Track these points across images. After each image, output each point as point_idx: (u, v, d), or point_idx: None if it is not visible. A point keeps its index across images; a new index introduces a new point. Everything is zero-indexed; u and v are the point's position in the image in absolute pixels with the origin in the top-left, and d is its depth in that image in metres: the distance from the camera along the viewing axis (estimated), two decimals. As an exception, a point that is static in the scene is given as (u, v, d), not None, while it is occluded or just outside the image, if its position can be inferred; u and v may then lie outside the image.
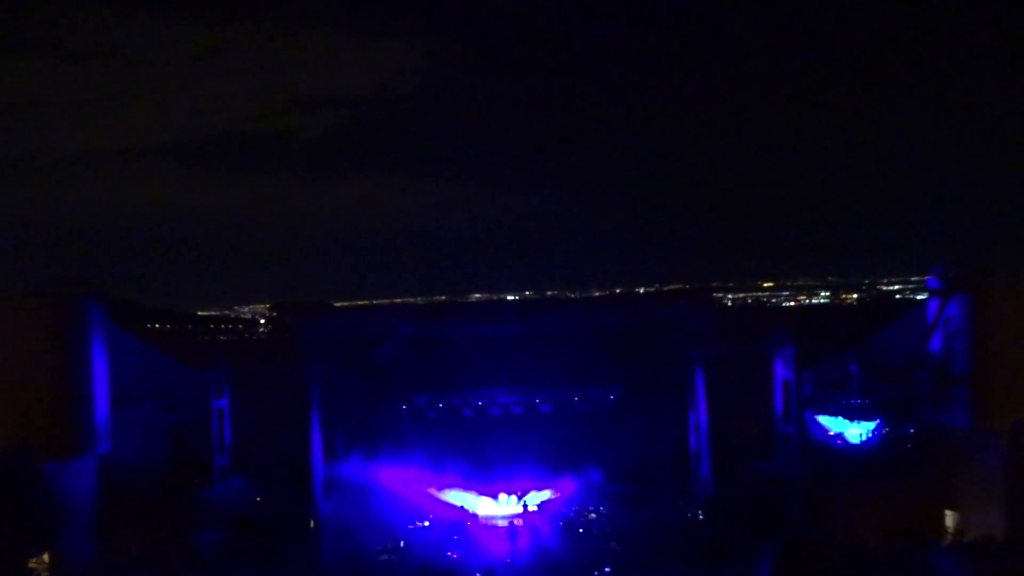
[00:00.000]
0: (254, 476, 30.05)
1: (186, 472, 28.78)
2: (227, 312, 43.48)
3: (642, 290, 43.59)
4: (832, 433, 30.36)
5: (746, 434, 30.90)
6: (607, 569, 25.68)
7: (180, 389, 29.56)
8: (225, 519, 28.34)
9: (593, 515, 31.96)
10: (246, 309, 43.50)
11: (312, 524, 29.71)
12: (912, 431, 28.20)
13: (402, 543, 29.54)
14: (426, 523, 31.52)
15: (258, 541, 27.40)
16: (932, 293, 27.22)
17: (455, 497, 32.75)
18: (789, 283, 42.38)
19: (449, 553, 28.75)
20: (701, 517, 30.79)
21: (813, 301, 41.23)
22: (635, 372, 34.38)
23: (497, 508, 32.86)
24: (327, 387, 32.12)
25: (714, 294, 41.25)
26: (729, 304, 41.19)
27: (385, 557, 28.44)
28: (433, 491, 32.71)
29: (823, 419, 30.51)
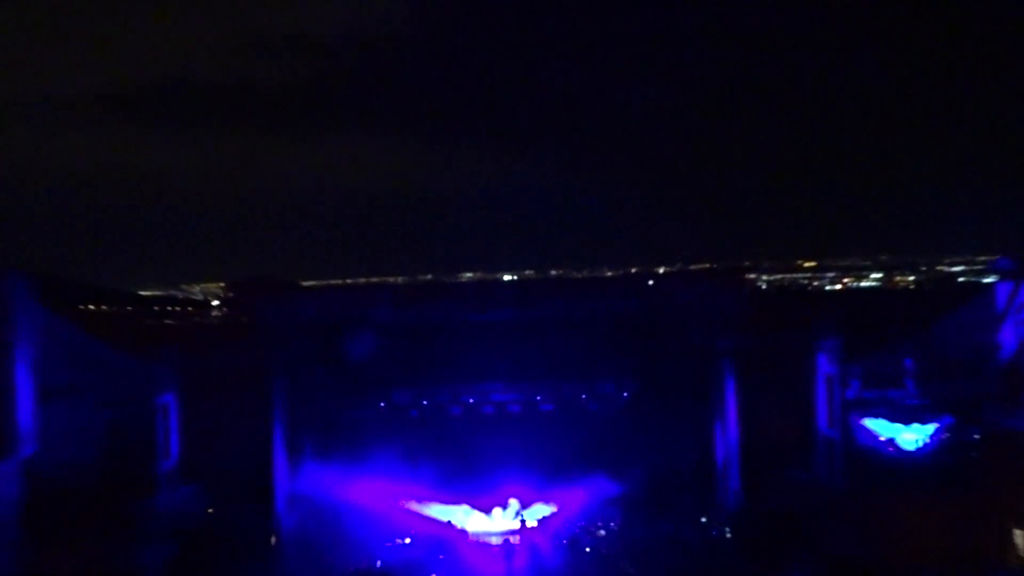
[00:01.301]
0: (205, 484, 30.06)
1: (126, 478, 28.75)
2: (174, 292, 43.40)
3: (662, 270, 43.52)
4: (883, 439, 30.42)
5: (782, 439, 30.96)
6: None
7: (119, 381, 29.48)
8: (171, 533, 28.37)
9: (602, 532, 32.09)
10: (197, 288, 43.41)
11: (273, 541, 29.79)
12: (977, 437, 28.22)
13: (379, 564, 29.64)
14: (407, 540, 31.61)
15: (210, 560, 27.46)
16: (1002, 275, 27.18)
17: (441, 511, 32.83)
18: (834, 263, 42.32)
19: (434, 575, 28.88)
20: (728, 535, 30.91)
21: (862, 284, 41.18)
22: (653, 365, 34.36)
23: (490, 523, 32.97)
24: (292, 380, 32.07)
25: (746, 275, 41.14)
26: (763, 287, 41.15)
27: (359, 580, 28.57)
28: (415, 504, 32.80)
29: (872, 422, 30.56)
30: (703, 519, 32.04)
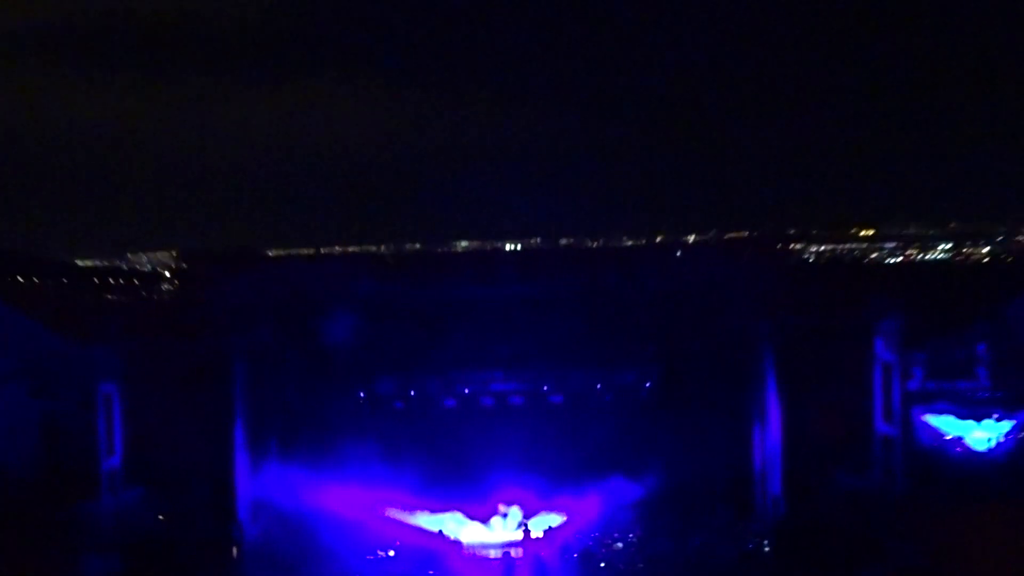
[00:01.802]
0: (156, 486, 30.27)
1: (63, 479, 28.95)
2: (118, 263, 43.34)
3: (692, 238, 43.38)
4: (949, 437, 30.52)
5: (831, 437, 31.06)
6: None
7: (54, 367, 29.64)
8: (117, 543, 28.57)
9: (619, 544, 32.22)
10: (144, 259, 43.37)
11: (235, 552, 29.97)
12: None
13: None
14: (390, 553, 31.78)
15: (161, 574, 27.64)
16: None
17: (430, 520, 32.98)
18: (896, 231, 42.15)
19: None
20: (767, 548, 31.05)
21: (928, 257, 41.05)
22: (681, 351, 34.43)
23: (488, 534, 33.12)
24: (256, 367, 32.17)
25: (791, 245, 41.05)
26: (811, 259, 41.05)
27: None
28: (400, 511, 32.94)
29: (938, 419, 30.65)
30: (737, 530, 32.18)
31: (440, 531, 32.73)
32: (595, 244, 45.04)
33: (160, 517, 30.31)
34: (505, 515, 33.37)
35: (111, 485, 30.28)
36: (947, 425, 30.88)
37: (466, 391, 36.10)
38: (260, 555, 30.65)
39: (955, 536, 26.62)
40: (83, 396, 29.87)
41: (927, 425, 30.84)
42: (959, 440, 30.48)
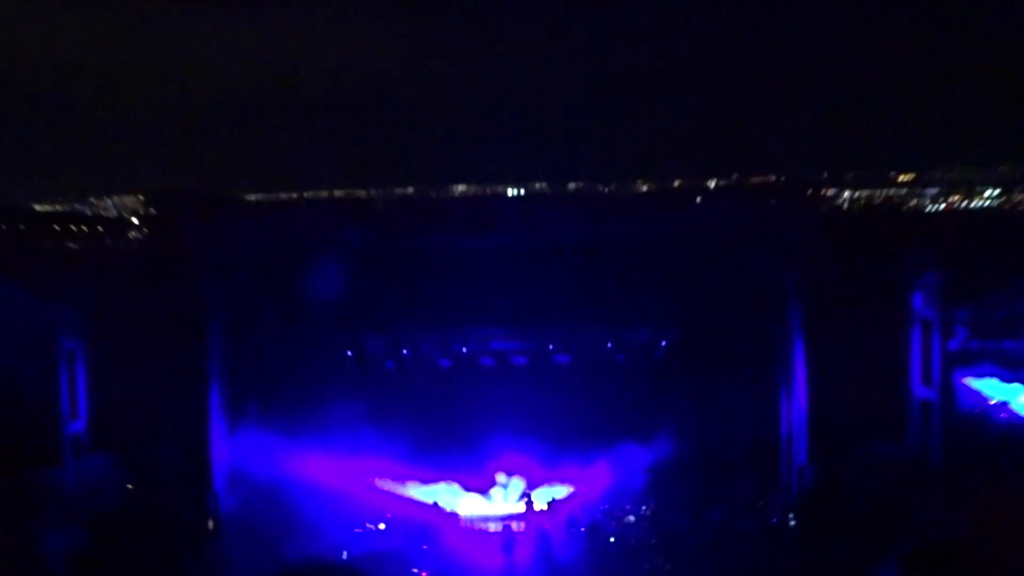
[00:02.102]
0: (123, 453, 30.46)
1: (21, 444, 29.11)
2: (80, 207, 43.20)
3: (713, 183, 43.20)
4: (994, 402, 30.62)
5: (864, 401, 31.19)
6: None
7: (10, 321, 29.68)
8: (81, 514, 28.79)
9: (631, 518, 32.48)
10: (109, 203, 43.22)
11: (210, 525, 30.22)
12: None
13: (344, 555, 30.06)
14: (381, 526, 32.03)
15: (129, 549, 27.87)
16: None
17: (424, 491, 33.20)
18: (938, 175, 41.94)
19: (415, 571, 29.30)
20: (793, 523, 31.28)
21: (974, 204, 40.88)
22: (700, 306, 34.41)
23: (487, 506, 33.35)
24: (233, 322, 32.25)
25: (822, 191, 40.92)
26: (845, 206, 40.90)
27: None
28: (391, 482, 33.14)
29: (981, 382, 30.72)
30: (761, 504, 32.40)
31: (435, 503, 32.96)
32: (606, 189, 44.85)
33: (128, 486, 30.52)
34: (506, 486, 33.59)
35: (75, 451, 30.47)
36: (991, 389, 30.96)
37: (464, 350, 36.21)
38: (238, 528, 30.91)
39: (998, 510, 26.77)
40: (43, 354, 29.98)
41: (969, 389, 30.92)
42: (1004, 405, 30.56)
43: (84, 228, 38.81)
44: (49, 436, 29.96)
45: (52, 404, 30.09)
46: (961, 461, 28.82)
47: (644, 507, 32.88)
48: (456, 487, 33.64)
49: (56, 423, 29.95)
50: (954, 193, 40.96)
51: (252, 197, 40.65)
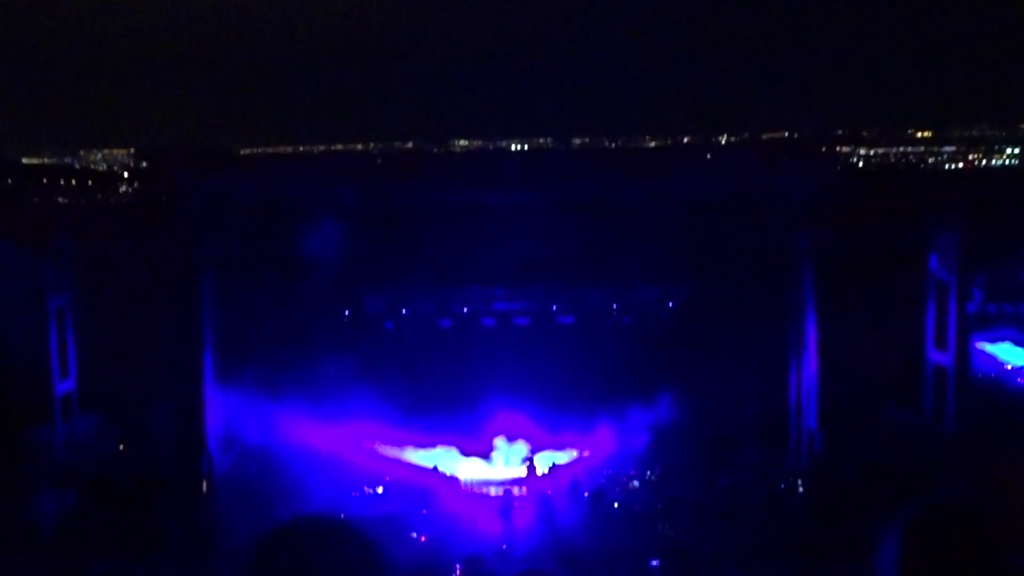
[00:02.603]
0: (115, 413, 30.53)
1: (10, 403, 29.19)
2: (69, 160, 43.15)
3: (724, 139, 43.07)
4: (1010, 367, 30.62)
5: (877, 366, 31.17)
6: (654, 563, 26.33)
7: (-2, 278, 29.73)
8: (72, 476, 28.91)
9: (636, 484, 32.53)
10: (99, 156, 43.15)
11: (204, 487, 30.31)
12: None
13: (341, 519, 30.13)
14: (379, 490, 32.12)
15: (121, 510, 27.98)
16: None
17: (424, 455, 33.26)
18: (957, 133, 41.75)
19: (414, 535, 29.41)
20: (801, 489, 31.36)
21: (994, 162, 40.73)
22: (708, 267, 34.30)
23: (488, 470, 33.41)
24: (227, 280, 32.19)
25: (837, 148, 40.77)
26: (861, 164, 40.77)
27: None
28: (389, 446, 33.20)
29: (998, 347, 30.71)
30: (768, 468, 32.46)
31: (435, 467, 33.03)
32: (613, 145, 44.72)
33: (120, 447, 30.62)
34: (507, 450, 33.64)
35: (65, 410, 30.54)
36: (1007, 353, 30.97)
37: (464, 310, 36.17)
38: (232, 491, 31.00)
39: (1011, 475, 26.82)
40: (32, 311, 30.00)
41: (985, 353, 30.90)
42: (1020, 370, 30.57)
43: (73, 182, 38.78)
44: (39, 395, 30.04)
45: (42, 363, 30.14)
46: (975, 427, 28.85)
47: (649, 472, 32.91)
48: (456, 451, 33.69)
49: (46, 382, 30.01)
50: (973, 151, 40.78)
51: (246, 151, 40.56)
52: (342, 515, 30.09)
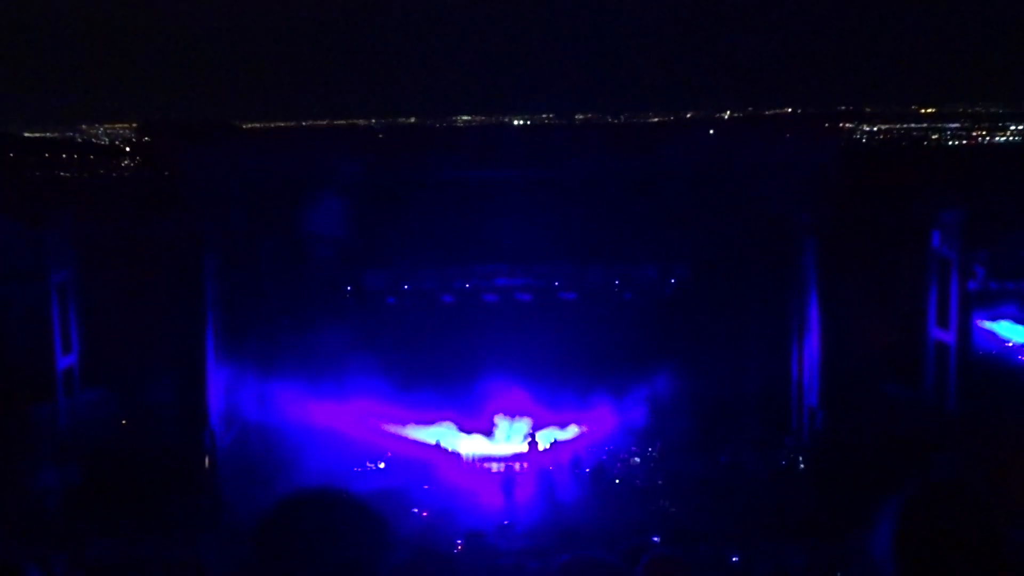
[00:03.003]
0: (117, 388, 30.53)
1: (13, 378, 29.22)
2: (71, 135, 43.12)
3: (727, 115, 42.99)
4: (1012, 344, 30.58)
5: (878, 343, 31.16)
6: (655, 539, 26.38)
7: (1, 253, 29.70)
8: (74, 450, 28.96)
9: (636, 459, 32.55)
10: (101, 130, 43.12)
11: (207, 462, 30.34)
12: None
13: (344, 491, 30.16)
14: (380, 465, 32.17)
15: (123, 485, 28.04)
16: None
17: (426, 432, 33.27)
18: (961, 109, 41.64)
19: (415, 510, 29.46)
20: (802, 466, 31.37)
21: (998, 139, 40.62)
22: (710, 243, 34.27)
23: (490, 446, 33.43)
24: (229, 255, 32.13)
25: (840, 124, 40.67)
26: (864, 140, 40.68)
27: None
28: (391, 423, 33.19)
29: (1000, 324, 30.66)
30: (769, 445, 32.48)
31: (437, 442, 33.05)
32: (616, 120, 44.64)
33: (123, 422, 30.66)
34: (509, 426, 33.64)
35: (67, 386, 30.56)
36: (1010, 331, 30.90)
37: (466, 286, 36.10)
38: (235, 464, 31.05)
39: (1013, 452, 26.85)
40: (35, 286, 29.99)
41: (987, 331, 30.85)
42: (1022, 348, 30.53)
43: (75, 156, 38.76)
44: (41, 370, 30.05)
45: (44, 338, 30.13)
46: (977, 405, 28.84)
47: (651, 448, 32.92)
48: (457, 428, 33.68)
49: (48, 357, 30.01)
50: (977, 128, 40.68)
51: (248, 125, 40.50)
52: (344, 488, 30.15)
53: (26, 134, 41.74)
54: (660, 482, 31.24)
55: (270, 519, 4.63)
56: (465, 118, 42.81)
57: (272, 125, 41.95)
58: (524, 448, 33.14)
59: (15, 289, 29.68)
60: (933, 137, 40.29)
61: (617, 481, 31.44)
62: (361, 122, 43.03)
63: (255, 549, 4.58)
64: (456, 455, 32.95)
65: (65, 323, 30.72)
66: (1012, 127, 40.31)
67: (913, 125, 41.09)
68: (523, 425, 33.65)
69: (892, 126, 41.30)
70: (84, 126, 42.81)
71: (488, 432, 33.72)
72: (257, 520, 4.61)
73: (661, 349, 34.15)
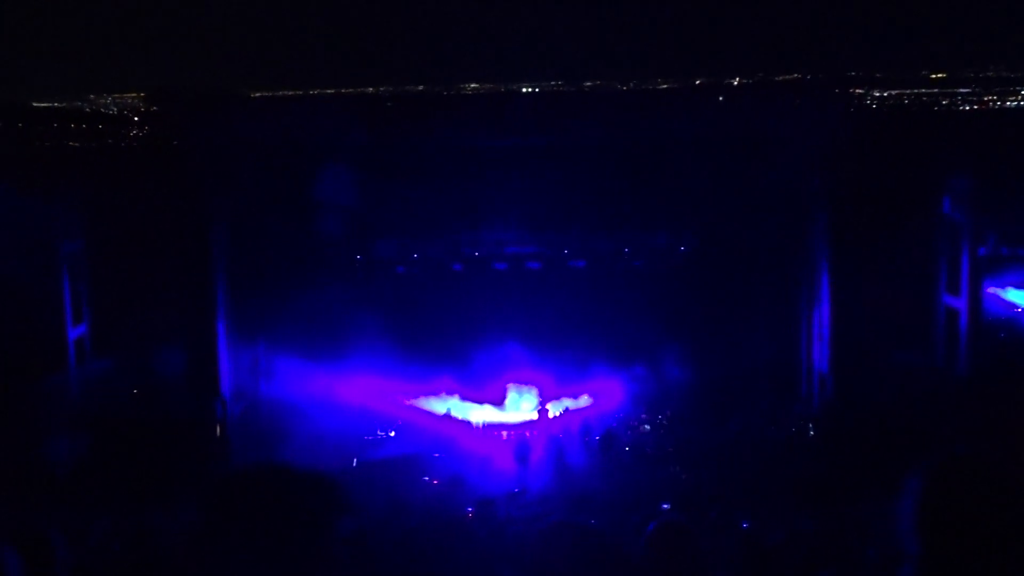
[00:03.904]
0: (128, 358, 30.60)
1: (24, 348, 29.28)
2: (80, 104, 43.01)
3: (736, 81, 42.70)
4: (1022, 310, 30.48)
5: (889, 309, 31.05)
6: (665, 506, 26.41)
7: (7, 223, 29.64)
8: (86, 420, 29.05)
9: (647, 427, 32.58)
10: (110, 100, 43.01)
11: (218, 432, 30.44)
12: None
13: (355, 463, 30.29)
14: (391, 433, 32.21)
15: (138, 453, 28.12)
16: None
17: (436, 402, 33.29)
18: (972, 74, 41.34)
19: (427, 478, 29.53)
20: (812, 432, 31.37)
21: (1009, 103, 40.35)
22: (720, 210, 34.11)
23: (500, 415, 33.47)
24: (238, 224, 32.11)
25: (850, 90, 40.40)
26: (874, 106, 40.41)
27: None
28: (400, 393, 33.20)
29: (1012, 291, 30.55)
30: (779, 412, 32.47)
31: (448, 411, 33.09)
32: (625, 87, 44.40)
33: (134, 391, 30.73)
34: (519, 395, 33.65)
35: (78, 356, 30.65)
36: (1020, 297, 30.78)
37: (476, 254, 36.07)
38: (246, 434, 31.13)
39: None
40: (44, 256, 30.03)
41: (999, 298, 30.74)
42: (1034, 313, 30.41)
43: (84, 126, 38.68)
44: (52, 341, 30.13)
45: (55, 308, 30.20)
46: (987, 372, 28.78)
47: (660, 416, 32.94)
48: (467, 398, 33.69)
49: (59, 327, 30.09)
50: (989, 93, 40.39)
51: (256, 94, 40.36)
52: (355, 462, 30.24)
53: (34, 104, 41.63)
54: (670, 449, 31.27)
55: (215, 487, 4.58)
56: (473, 85, 42.56)
57: (280, 94, 41.78)
58: (534, 416, 33.17)
59: (26, 259, 29.69)
60: (944, 102, 39.99)
61: (627, 449, 31.46)
62: (369, 90, 42.83)
63: (200, 517, 4.53)
64: (466, 423, 32.99)
65: (76, 293, 30.78)
66: (1023, 92, 40.04)
67: (923, 90, 40.80)
68: (533, 396, 33.66)
69: (902, 91, 41.02)
70: (92, 96, 42.68)
71: (499, 402, 33.74)
72: (202, 489, 4.56)
73: (671, 316, 34.10)
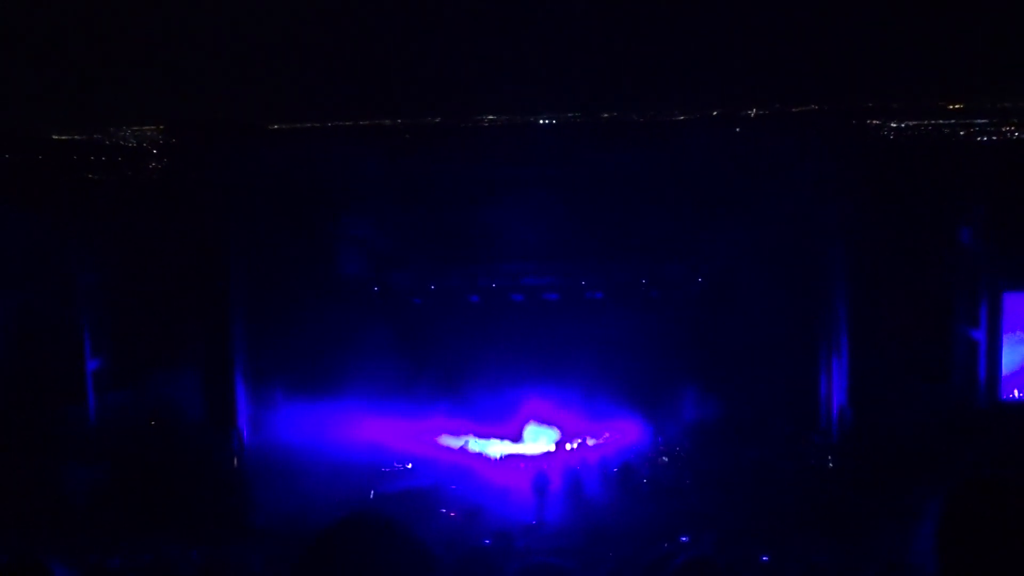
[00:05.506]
0: (145, 389, 30.67)
1: (41, 380, 29.41)
2: (98, 137, 43.27)
3: (753, 112, 42.74)
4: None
5: (908, 339, 31.00)
6: (683, 539, 26.32)
7: (28, 255, 29.85)
8: (104, 450, 29.13)
9: (665, 458, 32.49)
10: (127, 132, 43.24)
11: (235, 463, 30.47)
12: None
13: (372, 495, 30.27)
14: (408, 466, 32.18)
15: (154, 484, 28.19)
16: None
17: (453, 440, 33.24)
18: (990, 104, 41.29)
19: (443, 511, 29.48)
20: (831, 464, 31.24)
21: (1027, 134, 40.30)
22: (737, 241, 34.15)
23: (517, 448, 33.41)
24: (255, 256, 32.24)
25: (867, 121, 40.40)
26: (891, 136, 40.38)
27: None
28: (419, 429, 33.15)
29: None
30: (799, 443, 32.35)
31: (465, 443, 33.06)
32: (641, 119, 44.44)
33: (152, 423, 30.81)
34: (537, 428, 33.59)
35: (97, 387, 30.75)
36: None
37: (493, 285, 36.10)
38: (263, 465, 31.15)
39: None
40: (63, 289, 30.20)
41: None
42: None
43: (102, 158, 38.91)
44: (71, 373, 30.25)
45: (73, 340, 30.34)
46: (1009, 405, 28.65)
47: (678, 448, 32.86)
48: (485, 434, 33.63)
49: (78, 359, 30.21)
50: (1006, 124, 40.31)
51: (275, 126, 40.51)
52: (372, 494, 30.21)
53: (54, 136, 41.92)
54: (688, 481, 31.19)
55: (311, 550, 4.59)
56: (491, 117, 42.67)
57: (297, 126, 41.94)
58: (552, 448, 33.10)
59: (45, 291, 29.87)
60: (961, 133, 39.94)
61: (645, 481, 31.38)
62: (386, 121, 42.97)
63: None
64: (484, 456, 32.95)
65: (94, 325, 30.90)
66: (1042, 122, 39.96)
67: (941, 121, 40.75)
68: (552, 432, 33.55)
69: (919, 122, 40.97)
70: (111, 128, 42.94)
71: (516, 438, 33.67)
72: (297, 553, 4.58)
73: (688, 346, 34.09)
